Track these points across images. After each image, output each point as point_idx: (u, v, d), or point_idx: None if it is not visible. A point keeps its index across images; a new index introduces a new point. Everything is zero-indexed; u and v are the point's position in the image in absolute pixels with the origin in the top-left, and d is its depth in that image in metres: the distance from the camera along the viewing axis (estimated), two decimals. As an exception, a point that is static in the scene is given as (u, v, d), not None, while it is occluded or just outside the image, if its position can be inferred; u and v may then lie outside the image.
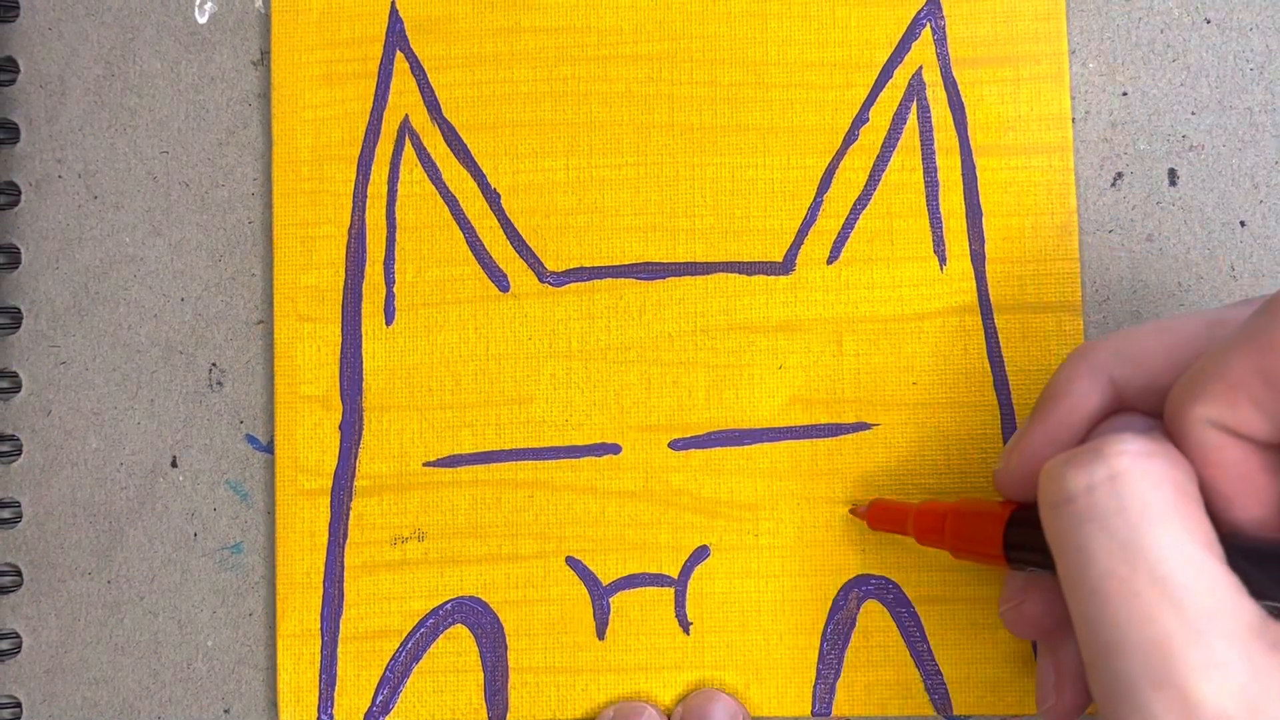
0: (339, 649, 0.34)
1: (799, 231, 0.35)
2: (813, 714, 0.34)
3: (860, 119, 0.35)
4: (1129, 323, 0.35)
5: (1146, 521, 0.23)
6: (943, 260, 0.35)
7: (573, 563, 0.34)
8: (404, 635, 0.34)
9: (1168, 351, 0.26)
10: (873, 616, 0.34)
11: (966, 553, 0.30)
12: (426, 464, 0.35)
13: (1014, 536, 0.28)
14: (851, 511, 0.34)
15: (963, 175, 0.35)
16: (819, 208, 0.35)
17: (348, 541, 0.35)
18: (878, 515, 0.33)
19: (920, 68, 0.35)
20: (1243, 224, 0.35)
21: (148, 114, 0.36)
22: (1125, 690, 0.22)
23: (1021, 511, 0.28)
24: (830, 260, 0.35)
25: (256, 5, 0.36)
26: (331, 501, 0.35)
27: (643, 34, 0.35)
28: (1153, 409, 0.27)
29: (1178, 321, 0.27)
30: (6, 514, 0.35)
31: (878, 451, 0.34)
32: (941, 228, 0.35)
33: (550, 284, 0.35)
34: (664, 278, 0.35)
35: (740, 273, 0.35)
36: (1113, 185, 0.35)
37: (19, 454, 0.35)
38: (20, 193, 0.36)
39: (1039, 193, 0.35)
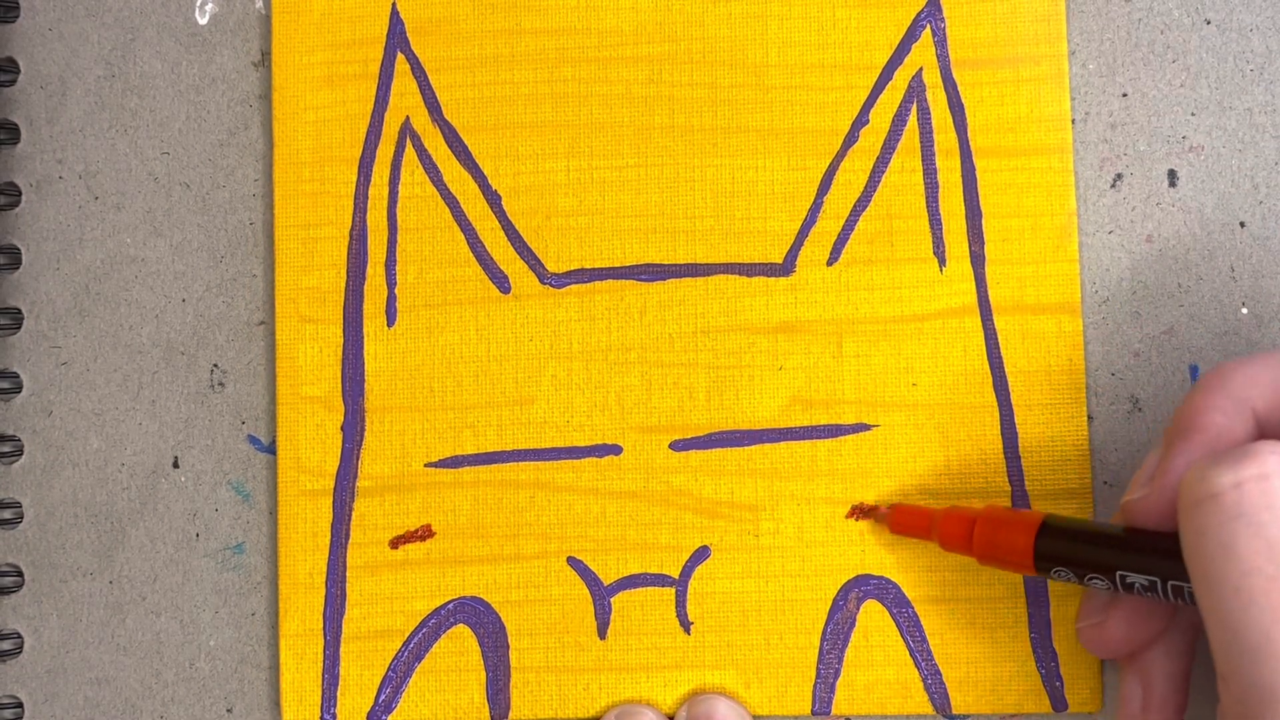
0: (341, 649, 0.34)
1: (799, 233, 0.35)
2: (813, 713, 0.34)
3: (860, 120, 0.35)
4: (1128, 324, 0.35)
5: None
6: (942, 261, 0.35)
7: (574, 563, 0.35)
8: (406, 635, 0.35)
9: None
10: (872, 616, 0.34)
11: (994, 560, 0.31)
12: (428, 465, 0.35)
13: (1044, 546, 0.30)
14: (852, 514, 0.34)
15: (962, 176, 0.35)
16: (819, 209, 0.35)
17: (350, 542, 0.35)
18: (900, 520, 0.33)
19: (920, 69, 0.35)
20: (1242, 225, 0.35)
21: (148, 115, 0.36)
22: (1268, 698, 0.21)
23: (1053, 520, 0.30)
24: (830, 262, 0.35)
25: (257, 6, 0.36)
26: (334, 502, 0.35)
27: (643, 36, 0.35)
28: None
29: None
30: (8, 514, 0.35)
31: (878, 452, 0.34)
32: (941, 229, 0.35)
33: (551, 285, 0.35)
34: (665, 279, 0.35)
35: (740, 274, 0.35)
36: (1112, 186, 0.35)
37: (20, 454, 0.35)
38: (21, 193, 0.36)
39: (1039, 194, 0.35)
